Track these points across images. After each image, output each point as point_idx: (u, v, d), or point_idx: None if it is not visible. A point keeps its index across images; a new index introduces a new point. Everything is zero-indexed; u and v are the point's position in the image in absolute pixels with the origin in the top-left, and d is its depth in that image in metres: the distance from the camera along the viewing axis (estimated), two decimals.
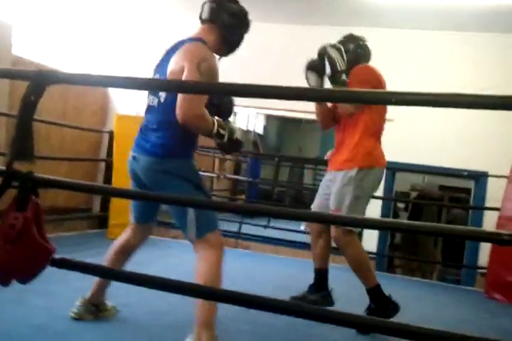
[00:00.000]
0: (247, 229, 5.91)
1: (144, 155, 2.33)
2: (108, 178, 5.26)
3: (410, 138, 5.26)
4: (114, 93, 5.81)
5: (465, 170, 5.51)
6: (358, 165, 2.83)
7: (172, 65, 2.27)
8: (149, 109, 2.41)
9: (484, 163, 5.39)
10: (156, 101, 2.35)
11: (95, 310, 2.54)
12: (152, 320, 2.63)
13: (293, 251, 5.47)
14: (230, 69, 6.34)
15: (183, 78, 2.19)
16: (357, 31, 5.97)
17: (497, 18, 5.16)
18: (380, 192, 4.22)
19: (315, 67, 2.86)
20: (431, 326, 1.42)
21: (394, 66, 5.77)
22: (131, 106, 5.74)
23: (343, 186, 2.84)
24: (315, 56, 2.92)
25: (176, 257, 4.48)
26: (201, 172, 6.43)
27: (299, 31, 6.07)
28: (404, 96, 1.31)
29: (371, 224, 1.85)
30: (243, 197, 8.76)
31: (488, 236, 1.46)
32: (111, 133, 5.34)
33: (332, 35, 5.91)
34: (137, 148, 2.39)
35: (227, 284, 2.84)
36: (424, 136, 5.54)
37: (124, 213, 4.97)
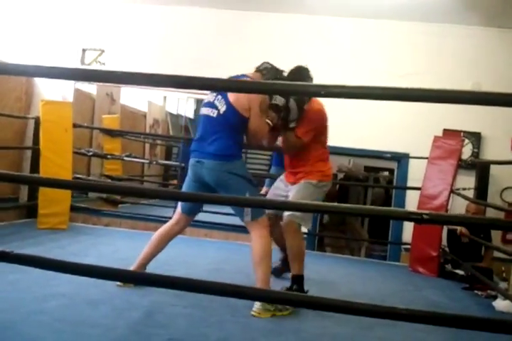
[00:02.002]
0: None
1: (208, 159, 2.89)
2: (35, 166, 5.09)
3: (337, 124, 5.47)
4: (38, 78, 5.59)
5: (388, 152, 5.79)
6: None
7: (236, 96, 2.88)
8: (207, 119, 2.97)
9: (406, 145, 5.68)
10: (215, 113, 2.93)
11: None
12: (89, 309, 2.62)
13: (224, 234, 5.56)
14: (165, 51, 6.29)
15: (251, 116, 2.92)
16: (280, 17, 6.11)
17: (416, 7, 5.39)
18: None
19: (276, 110, 3.20)
20: (360, 300, 1.54)
21: (315, 52, 5.93)
22: (57, 91, 5.56)
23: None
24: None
25: (109, 245, 4.45)
26: (133, 159, 6.39)
27: (224, 15, 6.11)
28: (333, 89, 1.39)
29: (307, 208, 1.95)
30: (175, 182, 8.71)
31: (409, 216, 1.58)
32: (37, 120, 5.15)
33: (257, 20, 6.05)
34: (200, 154, 2.94)
35: (165, 270, 2.90)
36: (351, 122, 5.75)
37: (54, 202, 4.88)
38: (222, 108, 2.92)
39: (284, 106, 3.12)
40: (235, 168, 2.91)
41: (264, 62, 3.19)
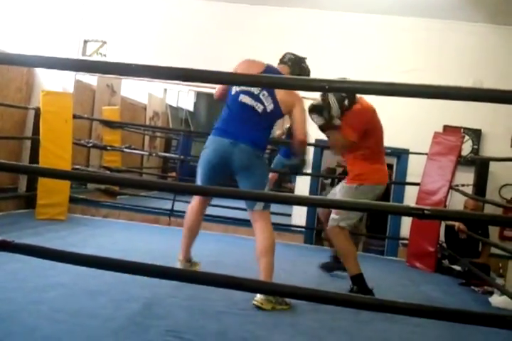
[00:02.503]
0: (180, 206, 5.88)
1: (246, 143, 2.99)
2: (34, 157, 5.09)
3: None
4: (39, 69, 5.58)
5: (388, 148, 5.77)
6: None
7: (283, 96, 3.04)
8: (248, 109, 3.04)
9: (406, 141, 5.67)
10: (260, 108, 3.03)
11: (189, 265, 3.25)
12: (88, 300, 2.63)
13: (223, 226, 5.57)
14: (169, 45, 6.27)
15: (296, 112, 3.09)
16: (283, 12, 6.09)
17: (419, 2, 5.38)
18: (308, 168, 4.37)
19: (316, 110, 3.29)
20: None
21: (317, 47, 5.91)
22: (57, 82, 5.55)
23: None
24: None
25: (108, 236, 4.46)
26: (132, 151, 6.40)
27: (229, 9, 6.07)
28: (336, 83, 1.39)
29: (304, 202, 1.96)
30: (173, 174, 8.73)
31: (410, 211, 1.59)
32: (37, 110, 5.14)
33: (261, 14, 6.03)
34: (236, 135, 3.00)
35: (164, 262, 2.90)
36: None
37: (52, 193, 4.88)
38: (270, 106, 3.04)
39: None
40: (262, 157, 3.17)
41: (287, 53, 3.25)
